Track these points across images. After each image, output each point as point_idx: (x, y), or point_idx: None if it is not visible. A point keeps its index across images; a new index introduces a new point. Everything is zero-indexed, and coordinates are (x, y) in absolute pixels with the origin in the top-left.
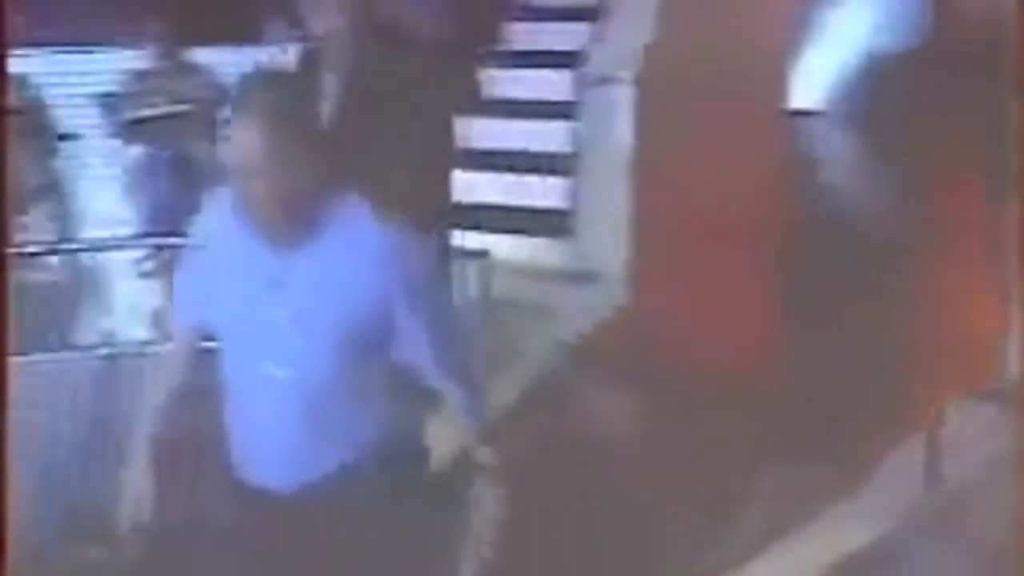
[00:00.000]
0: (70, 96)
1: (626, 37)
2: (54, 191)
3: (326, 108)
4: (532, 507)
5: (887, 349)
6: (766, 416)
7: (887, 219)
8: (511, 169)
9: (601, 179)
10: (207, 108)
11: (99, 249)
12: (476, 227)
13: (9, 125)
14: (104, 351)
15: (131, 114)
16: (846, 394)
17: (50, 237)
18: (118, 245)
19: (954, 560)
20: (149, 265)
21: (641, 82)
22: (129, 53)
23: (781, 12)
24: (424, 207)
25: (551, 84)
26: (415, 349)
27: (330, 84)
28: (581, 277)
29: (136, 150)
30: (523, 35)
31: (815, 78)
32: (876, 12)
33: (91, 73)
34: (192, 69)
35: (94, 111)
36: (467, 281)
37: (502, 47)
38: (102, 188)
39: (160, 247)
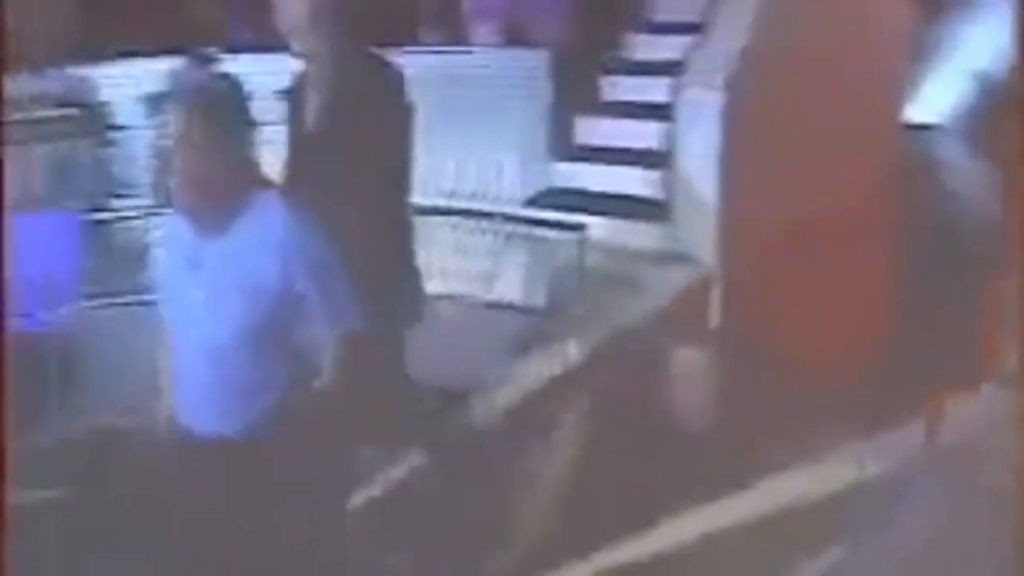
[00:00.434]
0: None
1: (721, 48)
2: None
3: (307, 118)
4: (607, 460)
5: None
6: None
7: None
8: (615, 162)
9: (694, 173)
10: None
11: None
12: (582, 210)
13: None
14: None
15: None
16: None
17: None
18: None
19: None
20: None
21: (731, 87)
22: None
23: (885, 28)
24: (380, 220)
25: (652, 89)
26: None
27: (311, 97)
28: (672, 258)
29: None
30: (637, 45)
31: (927, 91)
32: (991, 29)
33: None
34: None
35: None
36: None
37: (617, 54)
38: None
39: None
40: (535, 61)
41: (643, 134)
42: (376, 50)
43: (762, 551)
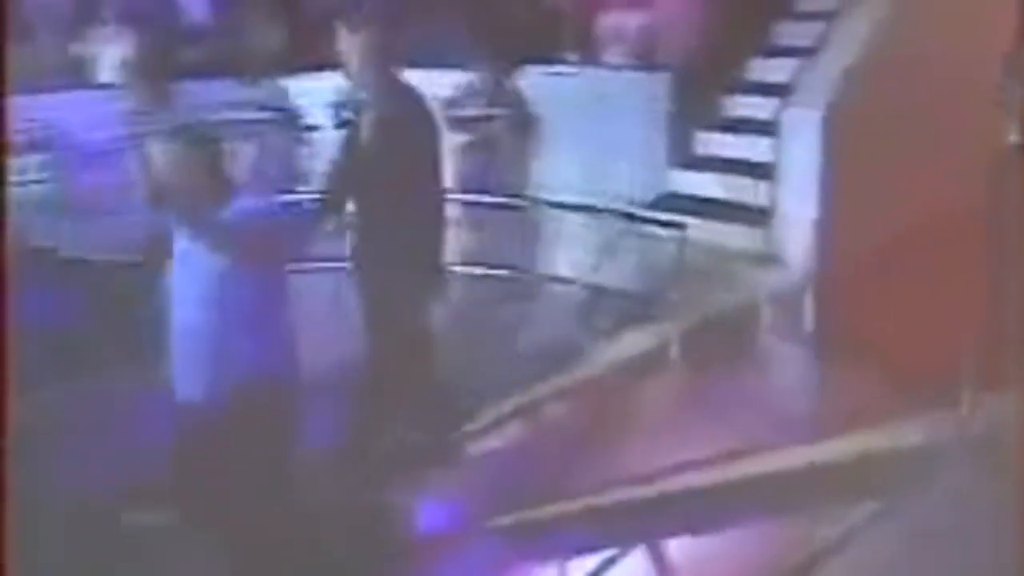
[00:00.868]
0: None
1: (824, 71)
2: None
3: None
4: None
5: None
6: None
7: None
8: (726, 171)
9: (794, 184)
10: (514, 113)
11: None
12: (692, 213)
13: None
14: None
15: (458, 113)
16: None
17: None
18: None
19: None
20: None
21: (830, 107)
22: (461, 72)
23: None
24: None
25: (764, 107)
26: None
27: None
28: (770, 260)
29: (458, 137)
30: (753, 67)
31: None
32: None
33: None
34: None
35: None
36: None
37: (735, 75)
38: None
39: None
40: (658, 81)
41: (752, 147)
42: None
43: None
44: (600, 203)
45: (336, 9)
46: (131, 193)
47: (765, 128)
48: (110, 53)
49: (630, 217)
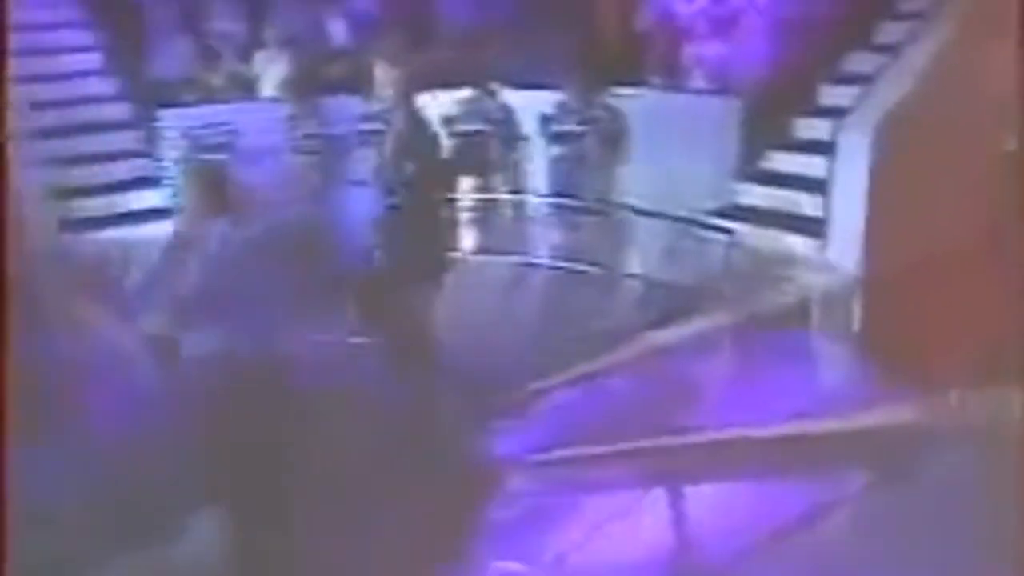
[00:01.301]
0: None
1: (875, 100)
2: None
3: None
4: None
5: None
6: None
7: None
8: (789, 186)
9: (847, 199)
10: (603, 129)
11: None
12: (755, 222)
13: None
14: None
15: (556, 128)
16: None
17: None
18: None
19: None
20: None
21: (879, 131)
22: (558, 93)
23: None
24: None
25: (824, 131)
26: None
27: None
28: (822, 267)
29: (554, 148)
30: (821, 93)
31: None
32: None
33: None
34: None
35: (535, 125)
36: (725, 253)
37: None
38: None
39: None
40: (732, 104)
41: (811, 165)
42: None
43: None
44: (669, 210)
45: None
46: (286, 181)
47: (824, 148)
48: (272, 72)
49: (694, 223)
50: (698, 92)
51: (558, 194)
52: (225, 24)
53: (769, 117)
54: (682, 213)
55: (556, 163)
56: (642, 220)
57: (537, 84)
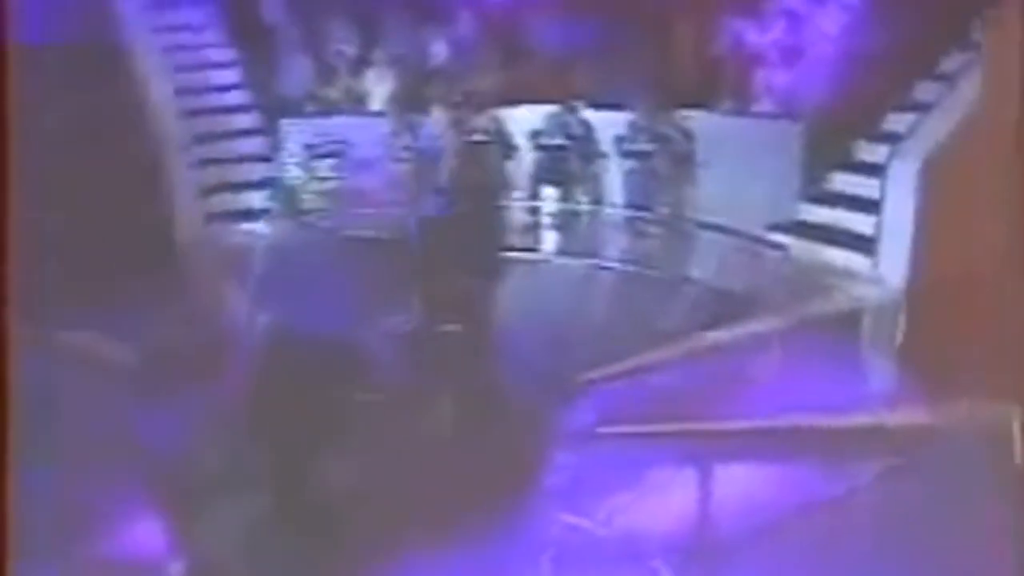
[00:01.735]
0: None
1: (926, 128)
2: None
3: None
4: None
5: None
6: None
7: None
8: (847, 207)
9: (897, 219)
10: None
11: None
12: (813, 239)
13: None
14: None
15: (630, 147)
16: None
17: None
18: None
19: None
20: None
21: (931, 155)
22: (631, 113)
23: None
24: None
25: (882, 154)
26: None
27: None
28: (871, 281)
29: (628, 163)
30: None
31: None
32: None
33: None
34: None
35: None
36: (776, 264)
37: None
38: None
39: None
40: (795, 128)
41: (869, 187)
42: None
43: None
44: (730, 224)
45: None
46: (388, 189)
47: (881, 171)
48: (380, 89)
49: (751, 237)
50: (764, 116)
51: (630, 205)
52: (341, 45)
53: (832, 141)
54: (741, 227)
55: (629, 177)
56: (704, 232)
57: (613, 104)
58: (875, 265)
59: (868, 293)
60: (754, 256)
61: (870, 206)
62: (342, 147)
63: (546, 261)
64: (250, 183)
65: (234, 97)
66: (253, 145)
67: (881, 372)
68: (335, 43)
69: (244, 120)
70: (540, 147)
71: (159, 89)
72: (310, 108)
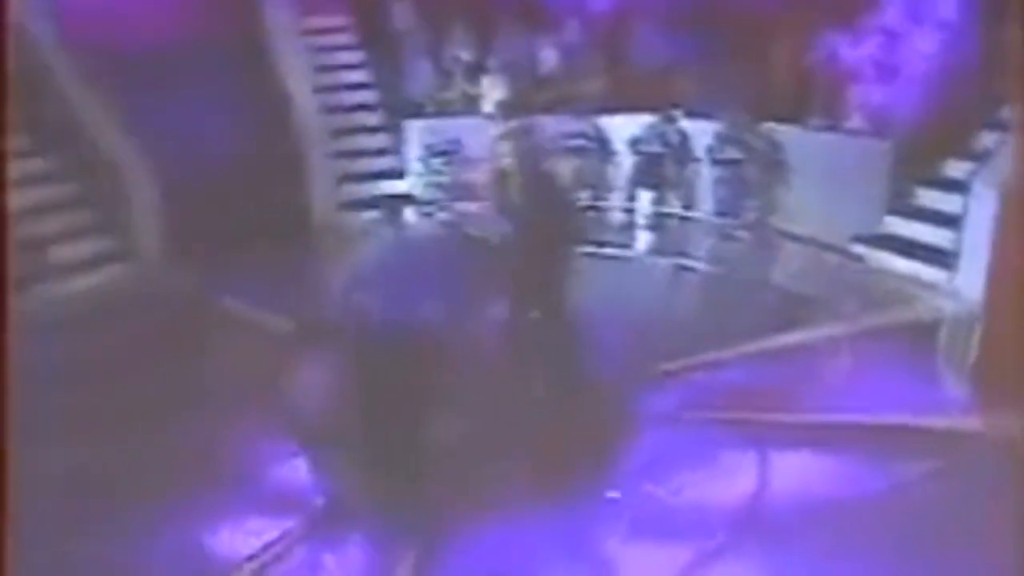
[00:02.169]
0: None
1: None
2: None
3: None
4: None
5: None
6: None
7: None
8: (931, 221)
9: (977, 236)
10: (766, 157)
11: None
12: (897, 252)
13: None
14: None
15: (718, 155)
16: None
17: None
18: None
19: None
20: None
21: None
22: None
23: None
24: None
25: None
26: None
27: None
28: (952, 293)
29: (718, 170)
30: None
31: None
32: None
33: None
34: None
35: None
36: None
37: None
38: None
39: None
40: (884, 145)
41: (950, 202)
42: None
43: None
44: (814, 235)
45: None
46: (491, 187)
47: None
48: (492, 94)
49: (833, 248)
50: (853, 133)
51: (718, 211)
52: (459, 51)
53: (920, 158)
54: (824, 238)
55: (718, 183)
56: (787, 240)
57: (707, 114)
58: (952, 279)
59: (944, 305)
60: (833, 265)
61: (951, 221)
62: (455, 146)
63: (638, 259)
64: (376, 174)
65: (363, 96)
66: (379, 140)
67: (952, 382)
68: (453, 49)
69: (371, 118)
70: (638, 153)
71: (300, 86)
72: (429, 109)
